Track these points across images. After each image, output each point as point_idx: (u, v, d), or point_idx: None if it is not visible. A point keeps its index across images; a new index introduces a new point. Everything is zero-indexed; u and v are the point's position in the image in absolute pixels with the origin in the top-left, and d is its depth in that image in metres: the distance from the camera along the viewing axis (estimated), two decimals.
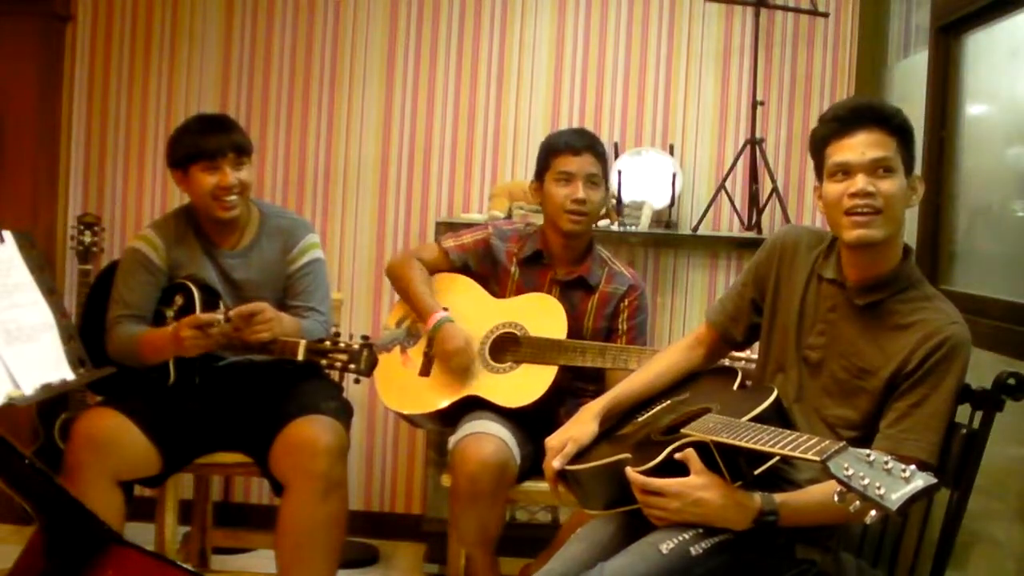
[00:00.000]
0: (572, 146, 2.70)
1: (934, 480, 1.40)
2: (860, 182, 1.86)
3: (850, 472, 1.44)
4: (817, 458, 1.51)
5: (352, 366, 2.45)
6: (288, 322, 2.62)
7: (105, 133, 3.76)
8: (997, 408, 1.86)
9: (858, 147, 1.88)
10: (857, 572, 1.87)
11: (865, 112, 1.91)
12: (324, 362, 2.48)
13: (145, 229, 2.80)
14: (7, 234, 1.95)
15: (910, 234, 2.91)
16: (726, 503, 1.76)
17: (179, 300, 2.67)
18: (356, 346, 2.46)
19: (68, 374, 1.92)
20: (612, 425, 2.15)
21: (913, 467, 1.42)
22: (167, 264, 2.71)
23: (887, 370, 1.86)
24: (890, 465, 1.43)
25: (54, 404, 3.44)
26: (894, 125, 1.90)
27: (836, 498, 1.45)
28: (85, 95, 3.76)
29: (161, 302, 2.71)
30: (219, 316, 2.48)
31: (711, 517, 1.77)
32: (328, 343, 2.48)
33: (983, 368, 2.02)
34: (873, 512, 1.40)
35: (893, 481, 1.40)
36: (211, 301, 2.66)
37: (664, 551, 1.75)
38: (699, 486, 1.78)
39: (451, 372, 2.68)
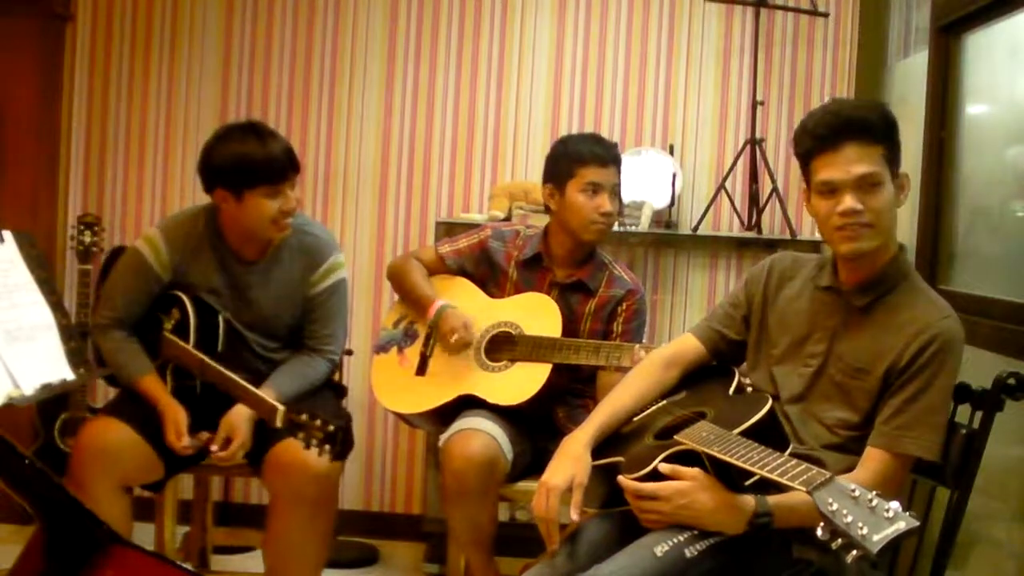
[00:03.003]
0: (600, 157, 2.63)
1: (916, 523, 1.38)
2: (848, 201, 1.83)
3: (834, 507, 1.42)
4: (803, 488, 1.50)
5: (327, 447, 2.27)
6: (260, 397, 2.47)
7: (105, 133, 3.76)
8: (997, 408, 1.86)
9: (843, 164, 1.84)
10: (857, 572, 1.87)
11: (847, 126, 1.85)
12: (301, 435, 2.30)
13: (153, 229, 2.64)
14: (7, 234, 1.94)
15: (911, 234, 2.91)
16: (719, 505, 1.75)
17: (176, 314, 2.61)
18: (332, 428, 2.26)
19: (68, 374, 1.92)
20: None
21: (897, 506, 1.39)
22: (168, 271, 2.61)
23: (881, 367, 1.86)
24: (874, 502, 1.40)
25: (54, 404, 3.44)
26: (878, 133, 1.85)
27: (819, 532, 1.42)
28: (85, 95, 3.75)
29: (160, 308, 2.64)
30: (199, 442, 2.49)
31: (705, 520, 1.76)
32: (305, 417, 2.30)
33: (983, 368, 2.02)
34: (854, 552, 1.37)
35: (876, 521, 1.37)
36: (209, 326, 2.59)
37: (659, 554, 1.74)
38: (693, 489, 1.77)
39: (449, 365, 2.68)
